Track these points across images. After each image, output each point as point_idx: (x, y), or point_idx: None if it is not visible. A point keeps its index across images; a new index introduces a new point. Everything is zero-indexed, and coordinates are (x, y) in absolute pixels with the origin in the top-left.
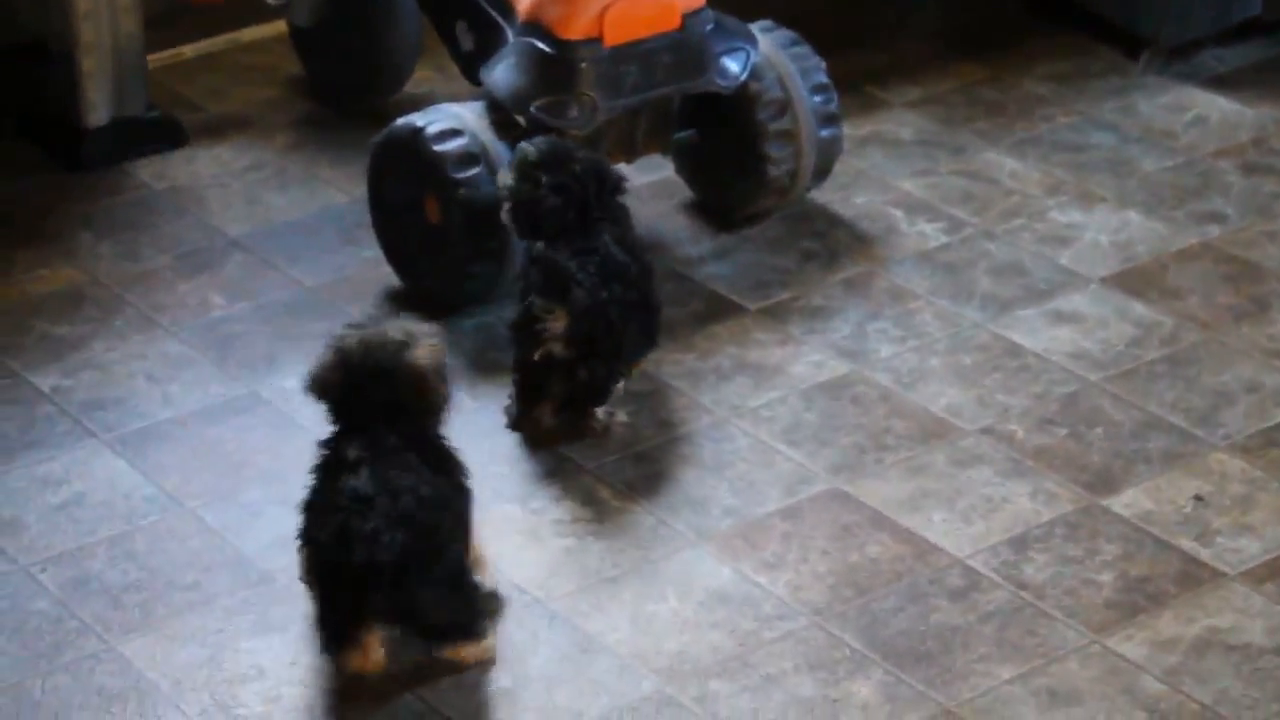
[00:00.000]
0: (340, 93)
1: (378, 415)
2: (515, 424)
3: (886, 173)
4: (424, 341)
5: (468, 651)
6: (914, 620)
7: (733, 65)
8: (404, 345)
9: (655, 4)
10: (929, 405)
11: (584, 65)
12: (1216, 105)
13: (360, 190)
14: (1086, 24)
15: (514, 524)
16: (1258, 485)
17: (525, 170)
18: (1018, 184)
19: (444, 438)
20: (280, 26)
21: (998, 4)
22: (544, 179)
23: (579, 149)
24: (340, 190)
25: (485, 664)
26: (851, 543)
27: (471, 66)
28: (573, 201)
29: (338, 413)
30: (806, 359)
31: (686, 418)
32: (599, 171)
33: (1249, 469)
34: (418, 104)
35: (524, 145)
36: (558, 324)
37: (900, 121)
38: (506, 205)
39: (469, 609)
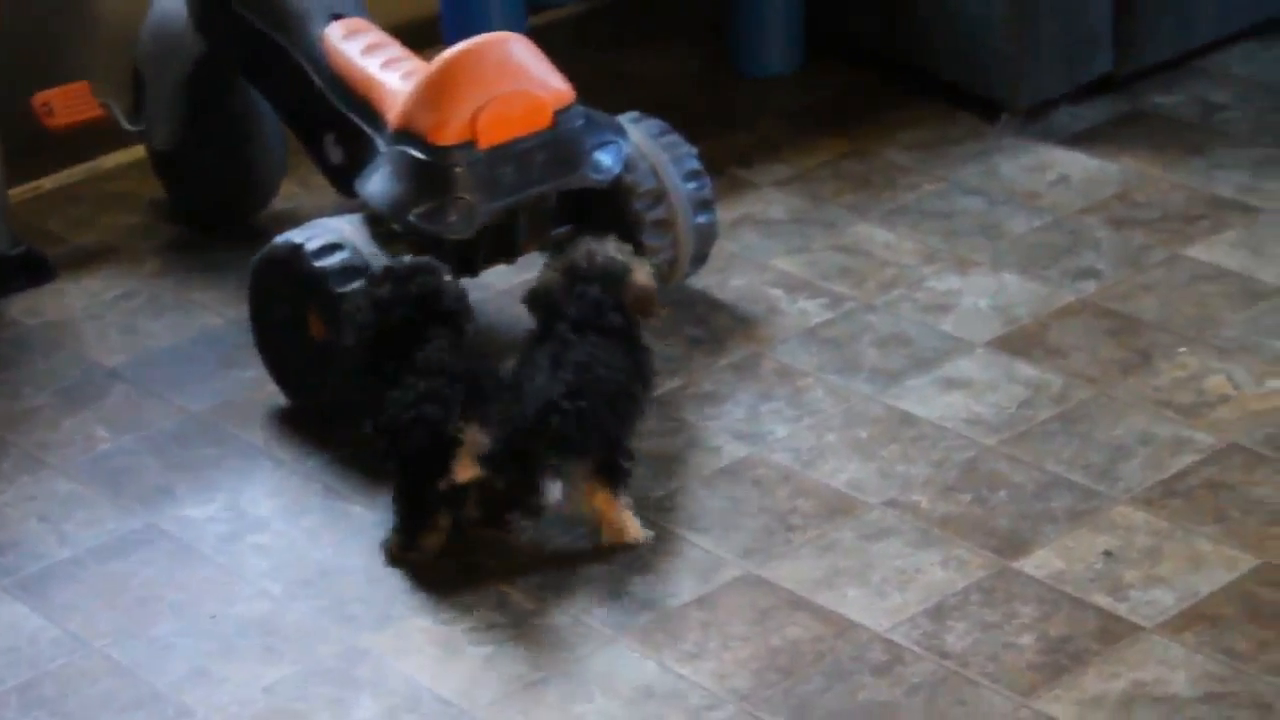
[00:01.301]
0: (205, 214)
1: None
2: (398, 556)
3: (761, 253)
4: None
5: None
6: (842, 699)
7: (606, 159)
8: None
9: (527, 103)
10: (831, 482)
11: (460, 169)
12: (1077, 163)
13: (235, 311)
14: (941, 91)
15: (427, 636)
16: (1164, 536)
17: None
18: (892, 255)
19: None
20: (140, 151)
21: (853, 77)
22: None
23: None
24: (215, 313)
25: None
26: (770, 626)
27: (342, 179)
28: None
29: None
30: (703, 445)
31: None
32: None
33: (1153, 520)
34: (284, 220)
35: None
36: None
37: (769, 201)
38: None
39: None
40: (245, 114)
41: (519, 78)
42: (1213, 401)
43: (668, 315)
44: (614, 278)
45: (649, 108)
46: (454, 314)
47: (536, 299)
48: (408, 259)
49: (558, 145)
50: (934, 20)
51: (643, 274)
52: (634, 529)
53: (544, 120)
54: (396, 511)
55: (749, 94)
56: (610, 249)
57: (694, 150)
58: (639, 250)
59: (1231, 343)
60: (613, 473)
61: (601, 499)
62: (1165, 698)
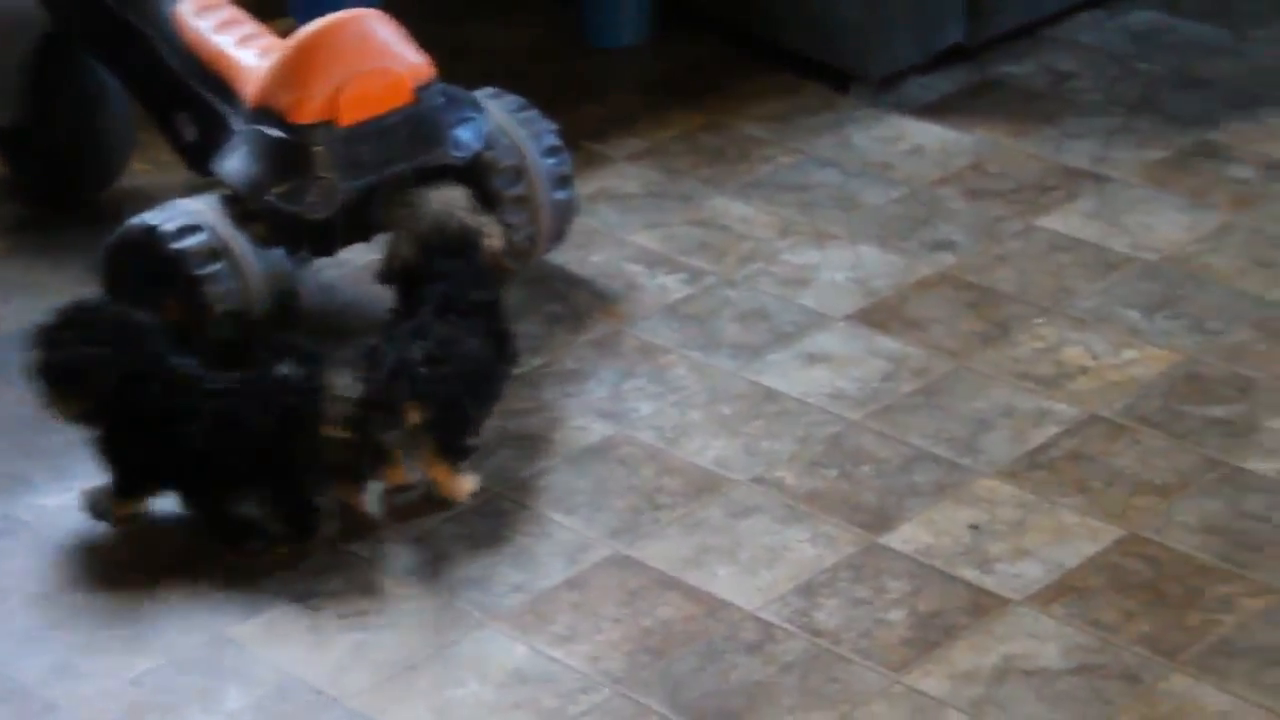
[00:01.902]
0: (52, 193)
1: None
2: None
3: (619, 228)
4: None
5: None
6: (716, 679)
7: (466, 135)
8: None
9: (386, 81)
10: (696, 459)
11: (319, 148)
12: (931, 133)
13: (86, 292)
14: (793, 62)
15: (296, 624)
16: (1029, 508)
17: None
18: (749, 228)
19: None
20: None
21: (705, 48)
22: None
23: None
24: (64, 294)
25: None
26: (641, 607)
27: (197, 158)
28: None
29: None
30: (568, 425)
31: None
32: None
33: (1018, 493)
34: (134, 198)
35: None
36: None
37: (625, 175)
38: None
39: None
40: (92, 90)
41: (379, 55)
42: (1072, 372)
43: (526, 294)
44: (470, 247)
45: (499, 81)
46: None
47: (393, 273)
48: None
49: (418, 122)
50: None
51: (493, 237)
52: (466, 484)
53: (404, 97)
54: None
55: (600, 66)
56: (456, 211)
57: (553, 126)
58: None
59: (1088, 313)
60: (456, 451)
61: (440, 471)
62: (1036, 670)
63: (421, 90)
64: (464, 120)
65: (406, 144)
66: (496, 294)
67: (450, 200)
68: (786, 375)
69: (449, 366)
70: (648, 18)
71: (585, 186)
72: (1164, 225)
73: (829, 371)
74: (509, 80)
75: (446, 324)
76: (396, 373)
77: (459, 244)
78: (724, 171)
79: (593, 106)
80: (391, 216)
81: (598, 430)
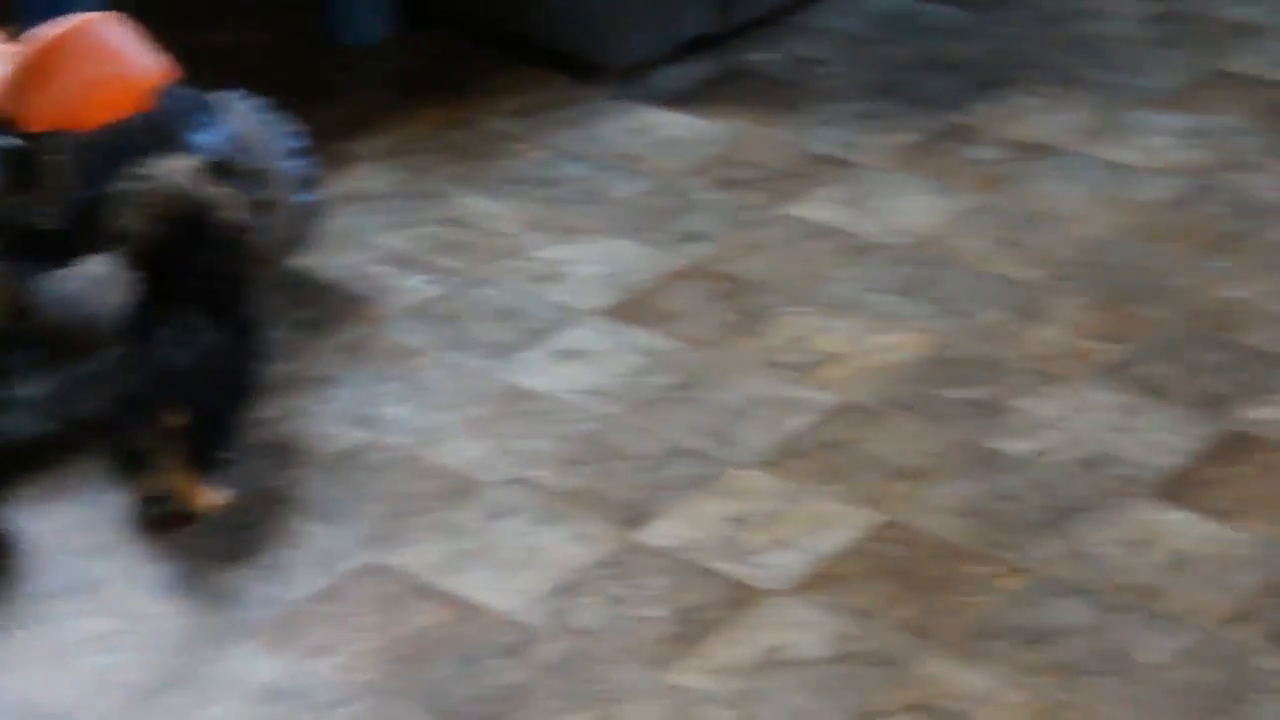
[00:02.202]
0: None
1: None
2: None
3: (367, 230)
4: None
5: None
6: (475, 685)
7: (205, 139)
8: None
9: (123, 86)
10: (451, 462)
11: (54, 156)
12: (679, 124)
13: None
14: (540, 55)
15: (36, 648)
16: (785, 498)
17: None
18: (500, 225)
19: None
20: None
21: (451, 44)
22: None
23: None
24: None
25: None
26: (397, 615)
27: None
28: None
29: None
30: (320, 431)
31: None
32: None
33: (774, 483)
34: None
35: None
36: None
37: (373, 174)
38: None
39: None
40: None
41: (114, 59)
42: (824, 360)
43: (273, 299)
44: (208, 217)
45: (245, 82)
46: None
47: (132, 253)
48: None
49: (156, 127)
50: None
51: (233, 207)
52: (215, 496)
53: (142, 102)
54: None
55: (346, 64)
56: (187, 180)
57: (296, 128)
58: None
59: (839, 300)
60: (209, 461)
61: (189, 481)
62: (798, 660)
63: (159, 95)
64: (203, 124)
65: (143, 150)
66: (241, 271)
67: (181, 170)
68: (540, 373)
69: (206, 367)
70: (390, 14)
71: (333, 188)
72: (913, 209)
73: (583, 367)
74: (252, 82)
75: (196, 317)
76: (155, 374)
77: (194, 214)
78: (472, 168)
79: (338, 106)
80: (117, 193)
81: (350, 436)
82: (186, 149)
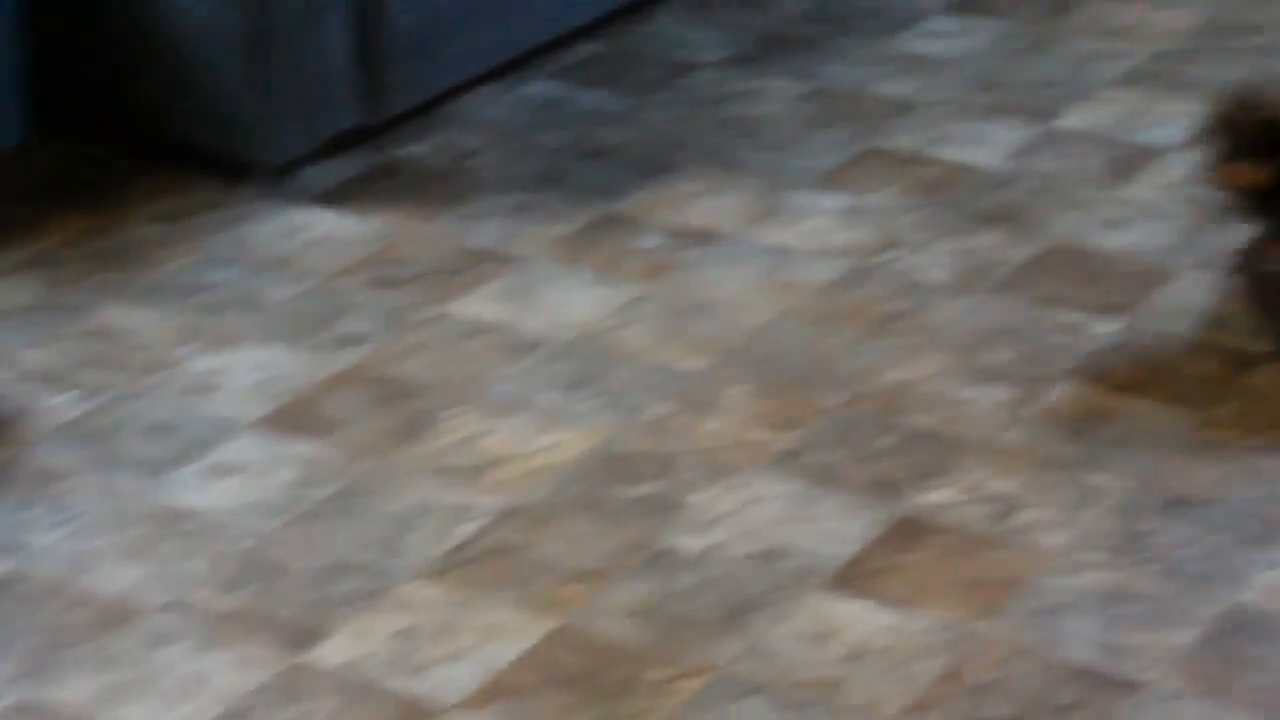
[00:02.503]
0: None
1: None
2: None
3: (8, 345)
4: None
5: None
6: None
7: None
8: None
9: None
10: (105, 589)
11: None
12: (332, 222)
13: None
14: (185, 156)
15: None
16: (457, 608)
17: None
18: (149, 336)
19: None
20: None
21: (90, 147)
22: None
23: None
24: None
25: None
26: None
27: None
28: None
29: None
30: None
31: None
32: None
33: (445, 594)
34: None
35: None
36: None
37: (13, 287)
38: None
39: None
40: None
41: None
42: (491, 463)
43: None
44: None
45: None
46: None
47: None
48: None
49: None
50: (169, 82)
51: None
52: None
53: None
54: None
55: None
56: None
57: None
58: None
59: (504, 400)
60: None
61: None
62: None
63: None
64: None
65: None
66: None
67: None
68: (197, 490)
69: None
70: (22, 118)
71: None
72: (576, 302)
73: (241, 482)
74: None
75: None
76: None
77: None
78: (117, 277)
79: None
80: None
81: None
82: None
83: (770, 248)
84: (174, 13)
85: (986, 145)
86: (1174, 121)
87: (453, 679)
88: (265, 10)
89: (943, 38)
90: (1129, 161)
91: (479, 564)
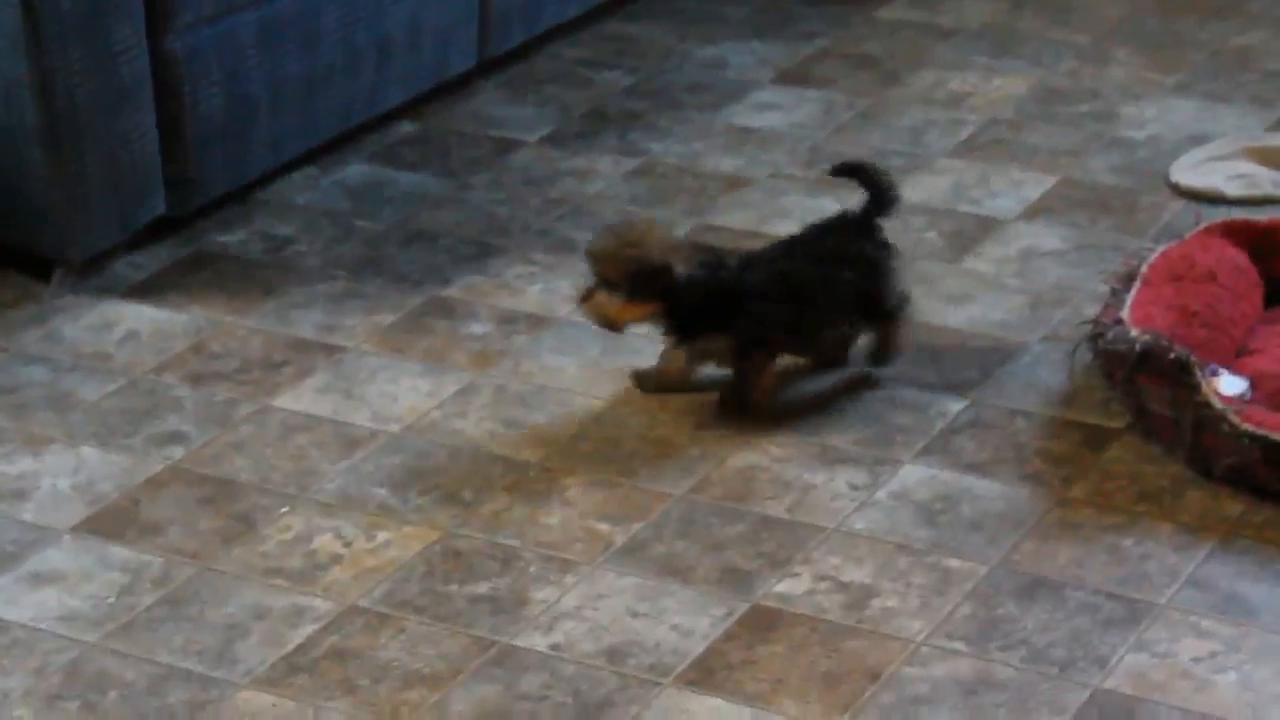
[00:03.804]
0: None
1: None
2: None
3: None
4: None
5: None
6: None
7: None
8: None
9: None
10: None
11: None
12: (144, 316)
13: None
14: None
15: None
16: (291, 716)
17: None
18: None
19: None
20: None
21: None
22: None
23: None
24: None
25: None
26: None
27: None
28: None
29: None
30: None
31: None
32: None
33: (280, 701)
34: None
35: None
36: None
37: None
38: None
39: None
40: None
41: None
42: (325, 563)
43: None
44: None
45: None
46: None
47: None
48: None
49: None
50: None
51: None
52: None
53: None
54: None
55: None
56: None
57: None
58: None
59: (335, 496)
60: None
61: None
62: None
63: None
64: None
65: None
66: None
67: None
68: (13, 601)
69: None
70: None
71: None
72: (405, 393)
73: (59, 591)
74: None
75: None
76: None
77: None
78: None
79: None
80: None
81: None
82: None
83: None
84: None
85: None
86: (1012, 192)
87: None
88: (64, 98)
89: (772, 110)
90: (969, 234)
91: (315, 670)
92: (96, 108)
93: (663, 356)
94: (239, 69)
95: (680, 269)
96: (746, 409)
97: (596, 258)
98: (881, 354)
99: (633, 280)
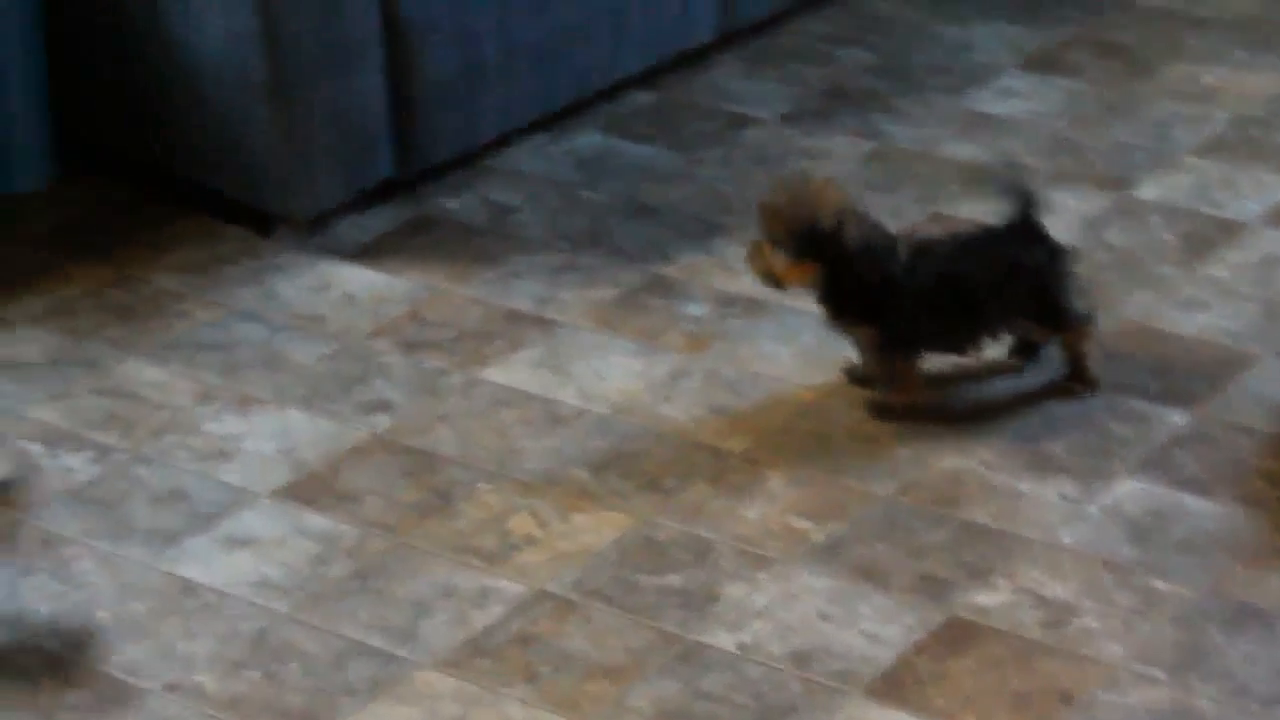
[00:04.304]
0: None
1: None
2: None
3: (16, 402)
4: None
5: None
6: None
7: None
8: None
9: None
10: (104, 666)
11: None
12: (363, 279)
13: None
14: (214, 204)
15: None
16: (470, 701)
17: None
18: (164, 395)
19: None
20: None
21: (114, 193)
22: None
23: None
24: None
25: None
26: None
27: None
28: None
29: None
30: None
31: None
32: None
33: (459, 685)
34: None
35: None
36: None
37: (26, 340)
38: None
39: None
40: None
41: None
42: (518, 544)
43: None
44: None
45: None
46: None
47: None
48: None
49: None
50: (196, 128)
51: None
52: None
53: None
54: None
55: None
56: None
57: None
58: None
59: (535, 475)
60: None
61: None
62: None
63: None
64: None
65: None
66: None
67: None
68: (207, 563)
69: None
70: (47, 159)
71: None
72: (614, 372)
73: (253, 557)
74: None
75: None
76: None
77: None
78: (135, 331)
79: None
80: None
81: None
82: None
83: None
84: (199, 56)
85: (1055, 215)
86: (1257, 194)
87: None
88: (291, 55)
89: (1015, 97)
90: (1207, 236)
91: (498, 654)
92: (324, 67)
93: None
94: (470, 33)
95: (853, 236)
96: (890, 411)
97: (767, 212)
98: (1074, 370)
99: (800, 239)
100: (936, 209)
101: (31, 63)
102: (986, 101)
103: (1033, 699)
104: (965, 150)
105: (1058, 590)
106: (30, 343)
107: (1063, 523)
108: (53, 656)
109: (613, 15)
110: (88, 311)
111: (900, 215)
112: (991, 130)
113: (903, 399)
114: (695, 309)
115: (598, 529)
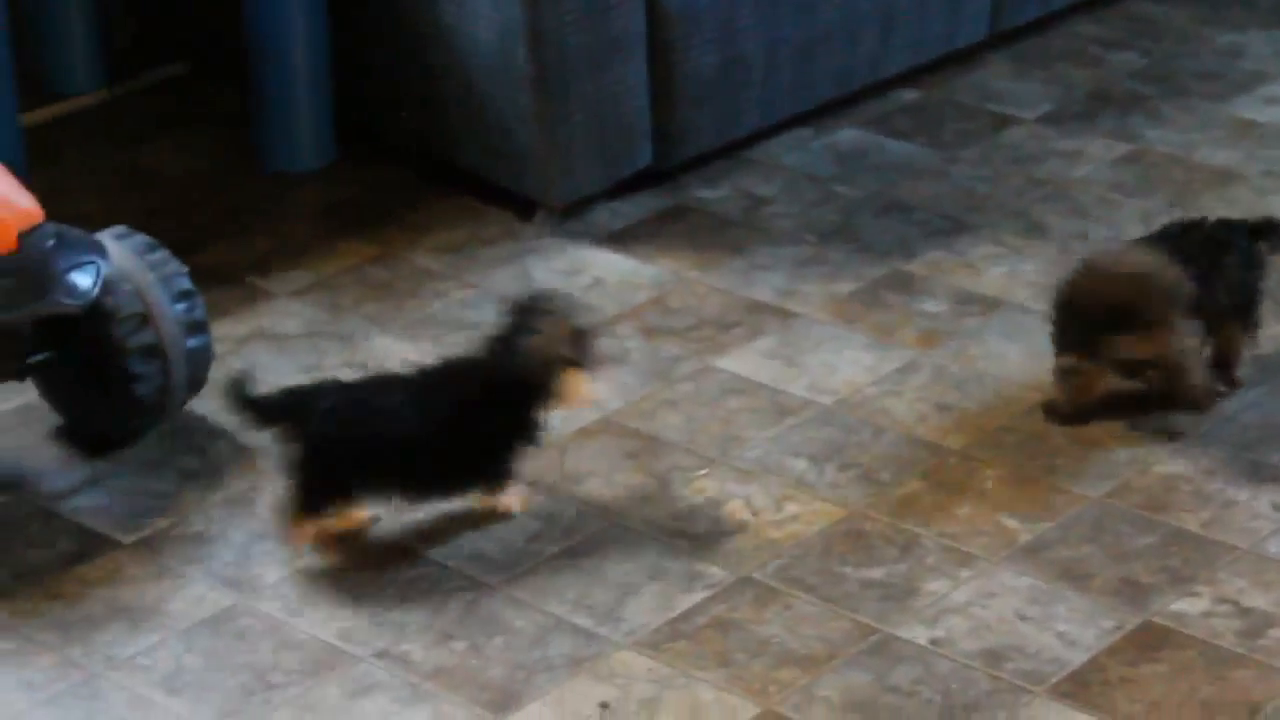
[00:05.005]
0: None
1: None
2: None
3: (271, 372)
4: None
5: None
6: None
7: (81, 281)
8: None
9: None
10: (319, 632)
11: None
12: (614, 264)
13: None
14: (478, 187)
15: None
16: (664, 684)
17: None
18: None
19: None
20: None
21: (384, 174)
22: None
23: None
24: None
25: None
26: None
27: None
28: None
29: None
30: (185, 594)
31: (53, 677)
32: None
33: (655, 666)
34: None
35: None
36: None
37: (286, 312)
38: None
39: None
40: None
41: None
42: (729, 530)
43: (159, 448)
44: None
45: (166, 207)
46: None
47: None
48: None
49: (24, 270)
50: (465, 115)
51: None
52: None
53: (8, 243)
54: None
55: (273, 191)
56: None
57: (184, 269)
58: (124, 380)
59: (754, 463)
60: None
61: None
62: None
63: (27, 235)
64: (80, 265)
65: (10, 293)
66: None
67: None
68: (429, 535)
69: None
70: (328, 140)
71: (240, 326)
72: (845, 365)
73: (473, 530)
74: (178, 206)
75: None
76: None
77: None
78: (390, 308)
79: (261, 236)
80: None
81: (217, 600)
82: (58, 292)
83: None
84: (470, 47)
85: None
86: None
87: None
88: (556, 47)
89: None
90: None
91: (696, 638)
92: (588, 58)
93: (1063, 379)
94: (734, 29)
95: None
96: (1199, 401)
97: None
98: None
99: (1171, 301)
100: (1183, 215)
101: (315, 52)
102: (1251, 108)
103: (1220, 708)
104: (1221, 156)
105: (1259, 600)
106: (292, 315)
107: (1273, 533)
108: (272, 620)
109: (882, 16)
110: (348, 287)
111: (1148, 219)
112: (1252, 137)
113: (1074, 400)
114: (932, 305)
115: (808, 519)
